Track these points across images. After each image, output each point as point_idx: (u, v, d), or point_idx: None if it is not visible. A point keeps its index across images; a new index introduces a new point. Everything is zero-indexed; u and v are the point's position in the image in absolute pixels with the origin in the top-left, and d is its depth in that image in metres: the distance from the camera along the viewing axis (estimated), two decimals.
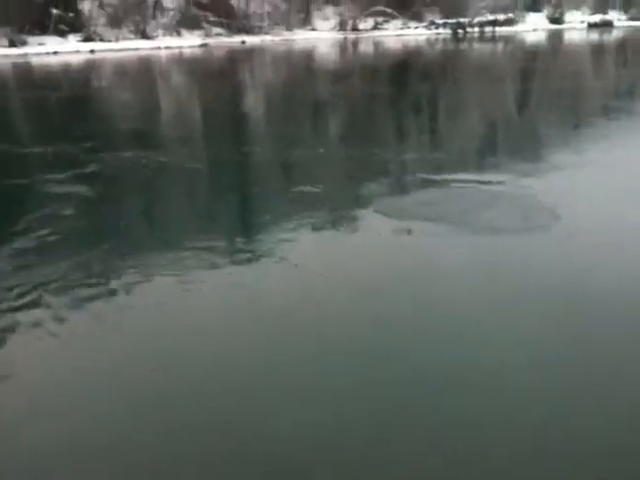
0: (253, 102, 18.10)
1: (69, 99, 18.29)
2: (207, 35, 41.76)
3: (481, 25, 50.39)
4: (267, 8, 44.79)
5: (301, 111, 15.25)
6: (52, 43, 35.73)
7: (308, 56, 35.00)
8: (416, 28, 51.56)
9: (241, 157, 9.61)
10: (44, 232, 6.12)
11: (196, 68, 29.11)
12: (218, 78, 24.14)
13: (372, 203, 6.87)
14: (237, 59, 33.36)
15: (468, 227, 6.05)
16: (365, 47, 39.93)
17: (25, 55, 33.41)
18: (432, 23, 52.07)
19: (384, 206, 6.78)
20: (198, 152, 10.26)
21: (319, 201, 7.06)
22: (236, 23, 43.66)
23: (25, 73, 27.50)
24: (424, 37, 47.30)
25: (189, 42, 39.96)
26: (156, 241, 6.04)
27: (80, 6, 37.97)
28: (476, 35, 48.08)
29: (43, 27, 35.94)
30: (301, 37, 45.37)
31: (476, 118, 13.91)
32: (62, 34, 36.47)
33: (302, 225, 6.26)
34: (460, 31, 49.32)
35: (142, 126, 13.45)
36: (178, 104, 17.62)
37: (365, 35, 48.01)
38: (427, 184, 7.71)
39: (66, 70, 28.01)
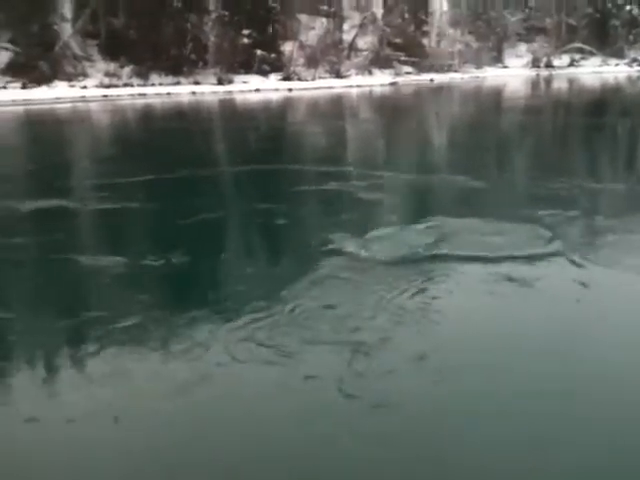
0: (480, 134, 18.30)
1: (293, 131, 19.74)
2: (397, 74, 42.76)
3: None
4: (458, 46, 45.02)
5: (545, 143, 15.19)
6: (255, 81, 38.62)
7: (497, 92, 34.59)
8: (616, 65, 48.92)
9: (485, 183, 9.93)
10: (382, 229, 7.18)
11: (388, 104, 29.96)
12: (407, 114, 24.68)
13: None
14: (426, 96, 33.83)
15: None
16: (559, 84, 38.64)
17: (230, 92, 36.45)
18: (635, 60, 49.18)
19: None
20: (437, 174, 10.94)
21: None
22: (425, 61, 44.30)
23: (231, 108, 30.01)
24: (624, 75, 44.77)
25: (379, 80, 41.18)
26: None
27: (282, 47, 40.76)
28: None
29: (248, 67, 39.02)
30: (491, 74, 44.95)
31: None
32: (264, 73, 39.32)
33: None
34: None
35: (375, 152, 14.64)
36: (386, 136, 18.32)
37: (559, 72, 46.45)
38: None
39: (269, 106, 30.13)
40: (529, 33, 50.91)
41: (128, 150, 16.01)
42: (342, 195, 9.38)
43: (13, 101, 30.72)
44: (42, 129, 21.46)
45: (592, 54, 49.75)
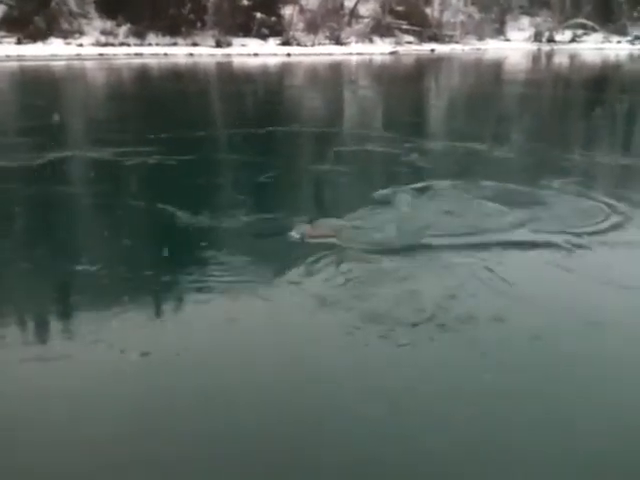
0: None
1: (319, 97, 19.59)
2: (398, 43, 42.29)
3: None
4: (461, 17, 44.49)
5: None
6: (253, 45, 38.13)
7: (498, 65, 34.32)
8: (618, 43, 48.53)
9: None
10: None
11: (389, 74, 29.67)
12: (409, 85, 24.47)
13: None
14: (427, 67, 33.52)
15: None
16: (560, 59, 38.35)
17: (229, 55, 35.98)
18: (637, 38, 48.76)
19: None
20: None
21: None
22: (427, 31, 43.79)
23: (230, 71, 29.62)
24: (626, 52, 44.42)
25: (380, 49, 40.73)
26: None
27: (282, 11, 40.15)
28: None
29: (247, 30, 38.48)
30: (492, 47, 44.52)
31: None
32: (263, 37, 38.80)
33: None
34: None
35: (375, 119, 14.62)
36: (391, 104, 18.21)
37: (561, 47, 46.07)
38: None
39: (268, 71, 29.77)
40: (532, 6, 50.32)
41: (135, 109, 15.81)
42: (381, 156, 9.73)
43: (7, 56, 30.21)
44: (41, 86, 21.13)
45: (595, 30, 49.28)
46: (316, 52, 38.38)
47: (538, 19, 48.94)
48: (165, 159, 9.06)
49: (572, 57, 39.25)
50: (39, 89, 19.96)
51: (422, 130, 12.57)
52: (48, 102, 16.46)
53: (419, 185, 7.47)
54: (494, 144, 10.44)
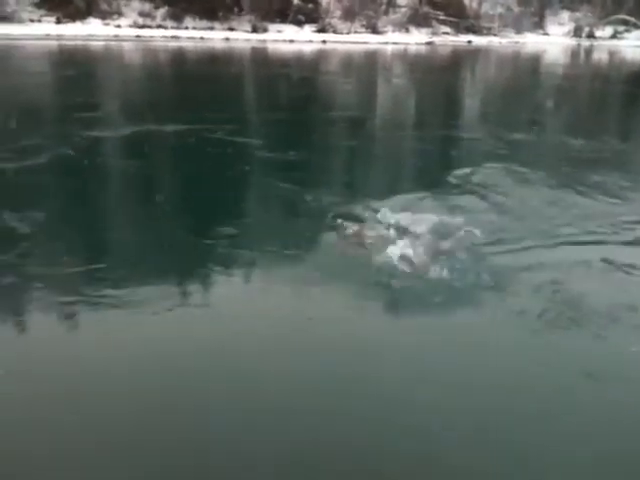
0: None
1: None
2: (434, 33, 41.93)
3: None
4: (499, 9, 43.91)
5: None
6: (289, 32, 38.08)
7: (536, 59, 33.80)
8: None
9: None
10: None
11: (425, 64, 29.42)
12: (449, 76, 24.24)
13: None
14: (464, 59, 33.14)
15: None
16: (599, 55, 37.66)
17: (264, 41, 35.97)
18: None
19: None
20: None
21: None
22: (465, 23, 43.33)
23: (270, 57, 29.53)
24: None
25: (416, 39, 40.43)
26: None
27: None
28: None
29: (283, 16, 38.42)
30: (530, 41, 43.91)
31: None
32: (299, 24, 38.72)
33: None
34: None
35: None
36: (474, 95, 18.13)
37: (601, 43, 45.25)
38: None
39: (307, 57, 29.67)
40: (573, 1, 49.48)
41: (181, 90, 15.82)
42: (449, 141, 10.16)
43: (47, 35, 30.61)
44: (84, 66, 21.30)
45: (637, 27, 48.29)
46: (352, 40, 38.21)
47: (578, 14, 48.13)
48: (229, 134, 9.35)
49: (612, 53, 38.52)
50: (83, 68, 20.13)
51: (489, 120, 12.72)
52: (91, 80, 16.68)
53: (501, 168, 7.53)
54: (555, 136, 10.61)
